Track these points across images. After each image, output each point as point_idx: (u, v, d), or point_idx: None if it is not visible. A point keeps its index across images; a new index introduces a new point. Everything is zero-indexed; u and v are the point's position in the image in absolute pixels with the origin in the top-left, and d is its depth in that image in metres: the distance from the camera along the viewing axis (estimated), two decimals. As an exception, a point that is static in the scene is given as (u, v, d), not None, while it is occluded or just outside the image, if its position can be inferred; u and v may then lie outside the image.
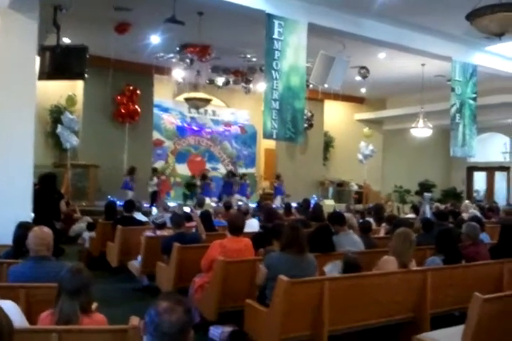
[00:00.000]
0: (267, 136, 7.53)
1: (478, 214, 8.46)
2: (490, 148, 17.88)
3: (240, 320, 4.21)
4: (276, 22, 7.25)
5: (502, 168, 17.94)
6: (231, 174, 14.90)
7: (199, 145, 16.65)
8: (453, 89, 9.70)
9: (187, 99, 12.00)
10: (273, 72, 7.28)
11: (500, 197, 17.26)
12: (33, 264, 3.34)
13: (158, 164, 15.20)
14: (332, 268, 4.25)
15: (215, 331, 4.48)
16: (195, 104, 12.04)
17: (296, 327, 3.68)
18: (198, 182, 13.78)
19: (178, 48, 10.83)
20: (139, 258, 6.20)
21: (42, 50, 6.65)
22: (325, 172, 17.82)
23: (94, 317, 2.70)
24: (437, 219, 7.02)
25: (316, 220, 7.18)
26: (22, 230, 4.05)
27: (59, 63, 6.73)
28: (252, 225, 6.85)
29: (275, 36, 7.27)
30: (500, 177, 18.38)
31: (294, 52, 7.48)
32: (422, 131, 14.20)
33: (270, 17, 7.20)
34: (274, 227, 4.92)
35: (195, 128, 16.52)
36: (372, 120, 18.06)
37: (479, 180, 19.26)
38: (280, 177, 15.15)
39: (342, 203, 15.23)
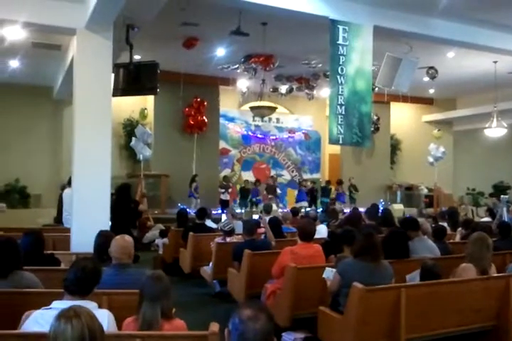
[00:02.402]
0: (333, 141, 7.46)
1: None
2: None
3: (313, 327, 4.20)
4: (340, 27, 7.20)
5: None
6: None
7: (264, 153, 16.80)
8: (529, 86, 9.22)
9: (253, 108, 12.16)
10: (338, 77, 7.23)
11: None
12: (115, 271, 3.50)
13: (225, 172, 15.52)
14: (414, 276, 4.17)
15: (287, 337, 4.48)
16: (260, 112, 12.17)
17: (372, 335, 3.63)
18: (250, 187, 13.95)
19: (242, 59, 11.05)
20: (211, 264, 6.35)
21: (116, 68, 6.97)
22: (392, 176, 17.44)
23: (174, 322, 2.77)
24: (517, 222, 6.67)
25: (387, 225, 7.03)
26: (102, 238, 4.22)
27: (132, 79, 6.99)
28: (321, 231, 6.82)
29: (340, 41, 7.21)
30: None
31: (359, 56, 7.39)
32: (495, 130, 13.54)
33: (334, 23, 7.16)
34: (345, 233, 4.86)
35: (260, 136, 16.70)
36: (442, 121, 17.51)
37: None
38: (343, 183, 14.97)
39: (411, 207, 14.82)
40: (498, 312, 4.09)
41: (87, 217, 5.92)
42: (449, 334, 3.94)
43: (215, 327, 2.62)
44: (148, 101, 14.03)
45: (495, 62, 11.48)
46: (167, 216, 11.34)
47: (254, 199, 13.51)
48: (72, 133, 6.36)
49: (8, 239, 3.56)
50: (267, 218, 7.15)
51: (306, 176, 16.85)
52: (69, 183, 7.71)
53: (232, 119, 16.08)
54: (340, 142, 7.53)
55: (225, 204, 12.83)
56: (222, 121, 15.38)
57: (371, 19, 7.45)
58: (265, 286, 4.89)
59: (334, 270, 4.01)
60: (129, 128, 13.54)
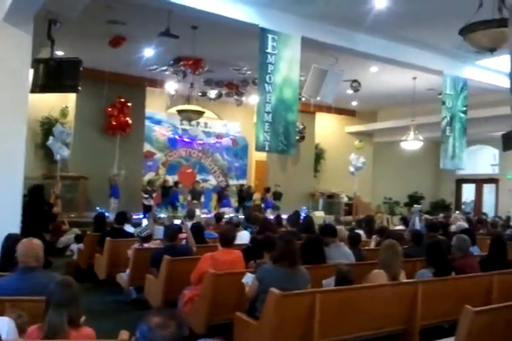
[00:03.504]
0: (260, 148, 7.54)
1: (466, 225, 8.50)
2: (479, 160, 18.06)
3: (229, 333, 4.17)
4: (269, 36, 7.31)
5: (491, 179, 18.07)
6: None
7: (190, 157, 16.66)
8: (444, 103, 9.80)
9: (180, 111, 12.01)
10: (266, 85, 7.33)
11: (488, 209, 17.34)
12: (20, 276, 3.27)
13: (149, 176, 15.20)
14: (330, 282, 4.26)
15: (203, 344, 4.43)
16: (188, 116, 12.03)
17: (286, 340, 3.65)
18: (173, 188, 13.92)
19: (171, 61, 10.90)
20: (128, 270, 6.15)
21: (35, 63, 6.61)
22: (316, 183, 17.89)
23: (82, 330, 2.66)
24: (428, 230, 7.04)
25: (307, 232, 7.16)
26: (11, 242, 4.00)
27: (52, 76, 6.62)
28: (243, 237, 6.83)
29: (269, 50, 7.32)
30: (488, 189, 18.53)
31: (287, 65, 7.53)
32: (412, 143, 14.30)
33: (264, 31, 7.26)
34: (265, 239, 4.89)
35: (187, 140, 16.55)
36: (363, 132, 18.24)
37: (468, 191, 19.38)
38: (269, 190, 15.19)
39: (332, 215, 15.26)
40: (407, 317, 4.26)
41: (-4, 219, 5.54)
42: (361, 338, 4.04)
43: (124, 335, 2.54)
44: (69, 100, 13.45)
45: (414, 78, 12.10)
46: (84, 219, 10.90)
47: (177, 204, 13.31)
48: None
49: None
50: (190, 223, 7.06)
51: (233, 182, 16.92)
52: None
53: (158, 122, 15.81)
54: (267, 149, 7.64)
55: (148, 209, 12.55)
56: (148, 123, 15.09)
57: (299, 30, 7.63)
58: (183, 293, 4.81)
59: (254, 275, 4.02)
60: (47, 126, 12.86)
